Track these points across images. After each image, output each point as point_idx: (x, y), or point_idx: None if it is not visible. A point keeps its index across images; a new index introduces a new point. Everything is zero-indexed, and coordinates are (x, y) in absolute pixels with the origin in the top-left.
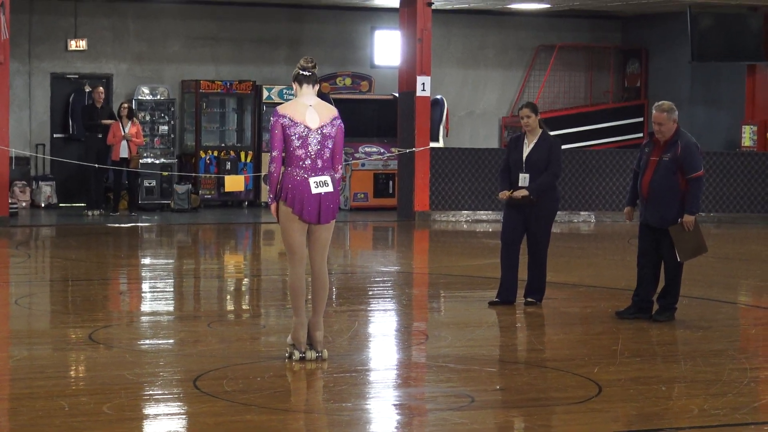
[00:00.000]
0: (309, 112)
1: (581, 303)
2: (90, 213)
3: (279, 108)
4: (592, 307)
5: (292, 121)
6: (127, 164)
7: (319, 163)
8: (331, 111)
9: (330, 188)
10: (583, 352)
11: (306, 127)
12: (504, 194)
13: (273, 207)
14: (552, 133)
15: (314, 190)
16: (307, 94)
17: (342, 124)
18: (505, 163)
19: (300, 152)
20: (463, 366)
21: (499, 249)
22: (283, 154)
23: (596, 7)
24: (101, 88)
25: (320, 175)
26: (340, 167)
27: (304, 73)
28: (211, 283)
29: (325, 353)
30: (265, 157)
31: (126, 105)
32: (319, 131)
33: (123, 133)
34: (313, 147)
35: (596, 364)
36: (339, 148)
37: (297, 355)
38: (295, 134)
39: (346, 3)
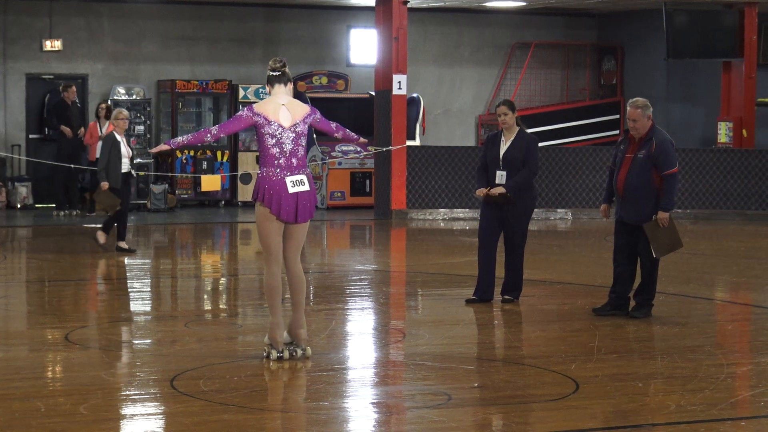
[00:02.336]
0: (282, 111)
1: (558, 300)
2: (61, 213)
3: (255, 105)
4: (569, 305)
5: (266, 120)
6: None
7: (294, 161)
8: (303, 109)
9: (306, 187)
10: (561, 349)
11: (279, 125)
12: (481, 192)
13: (161, 148)
14: (529, 131)
15: (291, 190)
16: (279, 93)
17: (318, 115)
18: (482, 161)
19: (274, 150)
20: (441, 364)
21: (476, 247)
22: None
23: (572, 4)
24: (74, 87)
25: (296, 173)
26: (341, 132)
27: (274, 73)
28: (188, 282)
29: (309, 350)
30: (242, 156)
31: (104, 105)
32: (292, 129)
33: (100, 134)
34: (288, 146)
35: (573, 361)
36: (328, 127)
37: (274, 354)
38: (268, 133)
39: (321, 2)
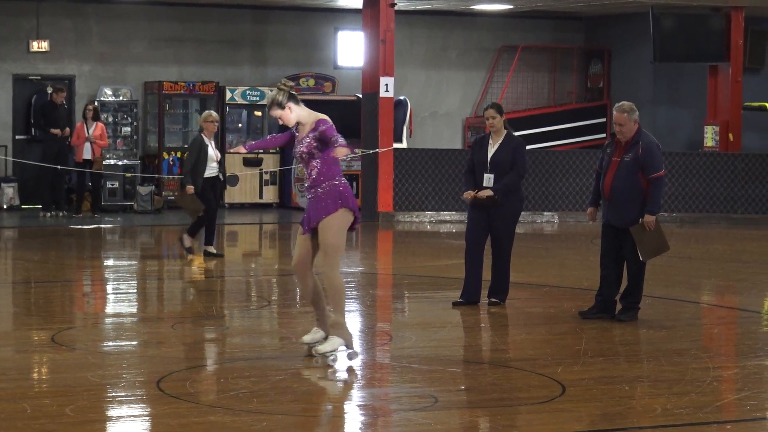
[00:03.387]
0: (303, 128)
1: (545, 303)
2: (47, 214)
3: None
4: (556, 307)
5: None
6: (91, 166)
7: (306, 171)
8: (309, 123)
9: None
10: (547, 352)
11: (297, 140)
12: (468, 194)
13: (239, 149)
14: (516, 134)
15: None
16: (299, 111)
17: (322, 125)
18: (469, 164)
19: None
20: (427, 366)
21: (463, 249)
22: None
23: (559, 7)
24: (64, 90)
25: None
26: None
27: (286, 94)
28: (174, 284)
29: (321, 349)
30: (228, 158)
31: (91, 106)
32: (301, 141)
33: (87, 135)
34: (300, 157)
35: (560, 364)
36: (332, 135)
37: (351, 353)
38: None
39: (309, 4)
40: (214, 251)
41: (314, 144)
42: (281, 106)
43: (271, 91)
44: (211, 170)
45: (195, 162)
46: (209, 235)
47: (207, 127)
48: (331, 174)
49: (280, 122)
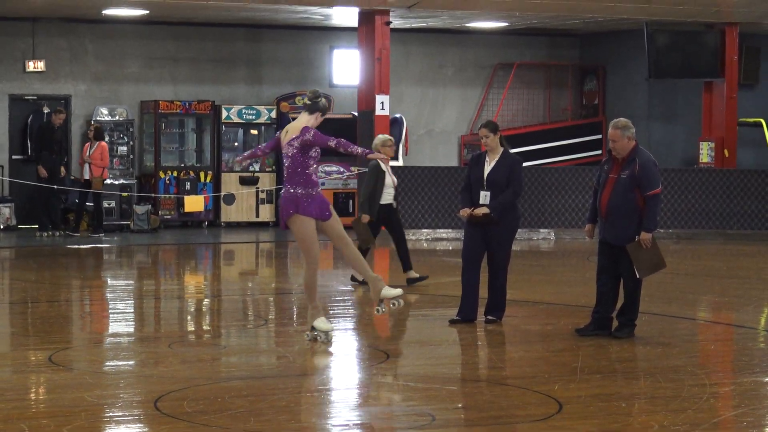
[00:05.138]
0: (284, 135)
1: (541, 320)
2: (43, 234)
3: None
4: (552, 325)
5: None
6: (90, 186)
7: (285, 175)
8: (295, 131)
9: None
10: (544, 370)
11: (281, 147)
12: (465, 212)
13: (238, 160)
14: (512, 151)
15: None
16: (298, 119)
17: (308, 135)
18: (466, 181)
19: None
20: (425, 384)
21: (460, 267)
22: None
23: (554, 25)
24: (64, 113)
25: (283, 187)
26: (341, 147)
27: (307, 102)
28: (171, 303)
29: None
30: (224, 177)
31: (93, 126)
32: (284, 150)
33: (86, 155)
34: (284, 163)
35: (557, 382)
36: (320, 140)
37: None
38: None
39: (304, 22)
40: (417, 275)
41: (296, 150)
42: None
43: (267, 109)
44: (388, 197)
45: (373, 189)
46: (406, 261)
47: (384, 152)
48: (301, 180)
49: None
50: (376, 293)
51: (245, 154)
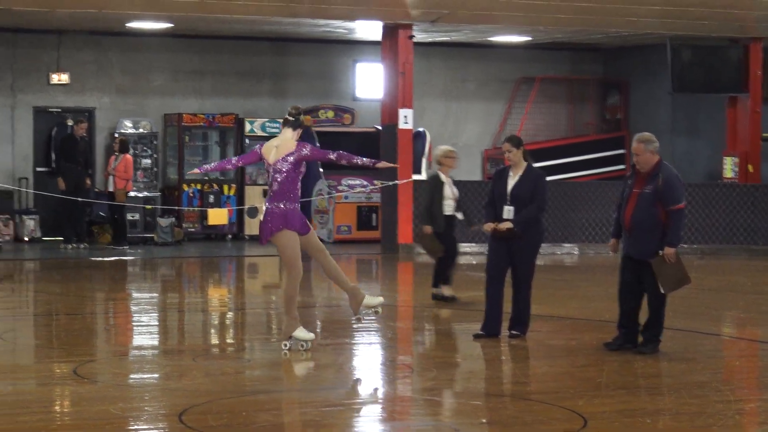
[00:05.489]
0: (273, 151)
1: (566, 335)
2: (68, 246)
3: (264, 143)
4: (577, 340)
5: (262, 157)
6: (113, 198)
7: (270, 192)
8: (289, 148)
9: (261, 217)
10: (568, 385)
11: (267, 162)
12: (488, 226)
13: (194, 172)
14: (536, 165)
15: (260, 216)
16: (282, 135)
17: (306, 150)
18: (489, 196)
19: (268, 182)
20: (449, 399)
21: (484, 282)
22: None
23: (577, 39)
24: (85, 123)
25: (265, 203)
26: (344, 159)
27: (288, 117)
28: (195, 317)
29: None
30: (248, 190)
31: (118, 139)
32: (272, 167)
33: (111, 167)
34: (269, 179)
35: (581, 397)
36: (318, 155)
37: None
38: (264, 168)
39: (328, 36)
40: (446, 294)
41: (290, 167)
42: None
43: None
44: (449, 209)
45: (431, 201)
46: (440, 277)
47: (445, 163)
48: (288, 196)
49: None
50: (357, 303)
51: (212, 165)
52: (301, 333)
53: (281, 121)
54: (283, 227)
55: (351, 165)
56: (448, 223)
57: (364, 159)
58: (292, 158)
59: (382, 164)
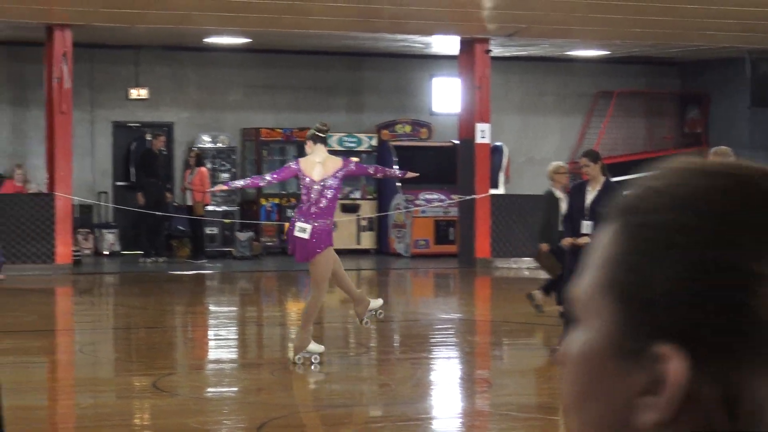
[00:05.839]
0: (316, 167)
1: None
2: (147, 260)
3: (300, 160)
4: None
5: (303, 174)
6: (192, 212)
7: (313, 209)
8: (336, 164)
9: (305, 235)
10: None
11: (311, 179)
12: (567, 241)
13: (220, 187)
14: (614, 180)
15: (296, 233)
16: (319, 151)
17: (351, 165)
18: (568, 211)
19: (303, 197)
20: (527, 414)
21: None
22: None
23: (655, 53)
24: (163, 137)
25: (308, 222)
26: (380, 173)
27: (320, 134)
28: (273, 330)
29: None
30: None
31: (193, 153)
32: (317, 183)
33: (187, 181)
34: (313, 196)
35: None
36: (362, 170)
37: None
38: (302, 184)
39: (404, 51)
40: (541, 303)
41: (338, 185)
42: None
43: (367, 137)
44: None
45: (547, 218)
46: (551, 286)
47: (557, 179)
48: (331, 213)
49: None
50: (363, 308)
51: (243, 182)
52: (313, 347)
53: (311, 137)
54: (326, 245)
55: (384, 176)
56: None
57: (396, 171)
58: (341, 173)
59: (410, 174)
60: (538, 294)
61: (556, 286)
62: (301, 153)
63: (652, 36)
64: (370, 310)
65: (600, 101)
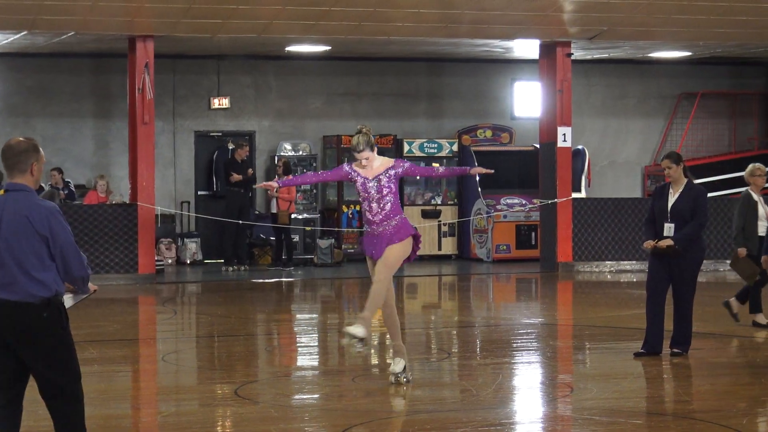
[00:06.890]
0: (367, 167)
1: (729, 353)
2: (229, 269)
3: (353, 164)
4: (741, 357)
5: (356, 172)
6: (276, 220)
7: (380, 212)
8: (387, 162)
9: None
10: (732, 403)
11: (366, 178)
12: (649, 244)
13: (272, 184)
14: (696, 182)
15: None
16: (366, 155)
17: (404, 163)
18: (650, 213)
19: (362, 200)
20: (609, 418)
21: (644, 299)
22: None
23: (738, 53)
24: (246, 146)
25: (379, 224)
26: (441, 170)
27: (366, 138)
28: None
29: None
30: (407, 211)
31: (282, 161)
32: (370, 182)
33: (275, 190)
34: (373, 192)
35: (745, 416)
36: (421, 171)
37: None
38: (358, 188)
39: (485, 55)
40: (765, 322)
41: (394, 181)
42: (372, 148)
43: (449, 143)
44: (762, 229)
45: (744, 221)
46: (756, 302)
47: (754, 182)
48: (400, 209)
49: (365, 163)
50: (364, 323)
51: (291, 178)
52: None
53: (361, 143)
54: (408, 234)
55: (452, 175)
56: (762, 243)
57: (455, 168)
58: (392, 172)
59: (479, 170)
60: (734, 302)
61: (754, 294)
62: None
63: (736, 36)
64: (355, 337)
65: (683, 102)
